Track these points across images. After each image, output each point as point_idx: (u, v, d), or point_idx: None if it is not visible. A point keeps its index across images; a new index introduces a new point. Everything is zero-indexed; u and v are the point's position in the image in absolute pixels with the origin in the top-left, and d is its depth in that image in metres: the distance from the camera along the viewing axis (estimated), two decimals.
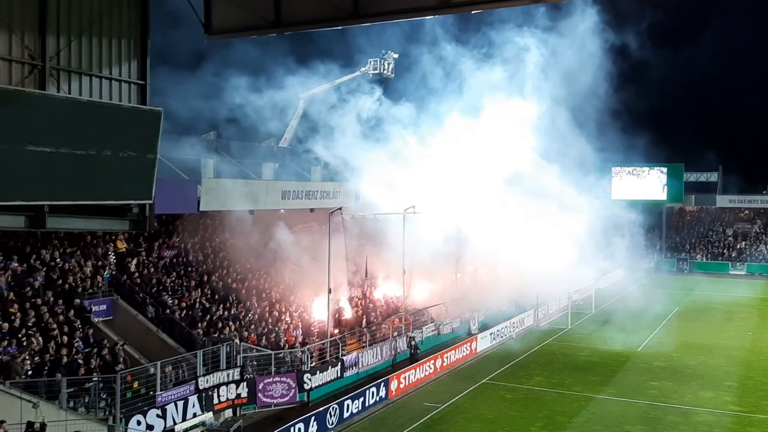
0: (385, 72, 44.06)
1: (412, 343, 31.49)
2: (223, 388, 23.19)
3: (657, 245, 70.64)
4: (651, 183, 70.14)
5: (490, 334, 35.27)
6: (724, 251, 68.82)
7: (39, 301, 22.30)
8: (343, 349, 28.22)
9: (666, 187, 69.60)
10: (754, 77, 79.76)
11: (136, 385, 21.09)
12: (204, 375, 22.70)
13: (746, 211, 74.10)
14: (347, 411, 23.86)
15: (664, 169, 70.00)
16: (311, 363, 26.22)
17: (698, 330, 39.45)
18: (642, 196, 68.94)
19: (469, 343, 33.12)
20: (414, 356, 30.58)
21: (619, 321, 39.69)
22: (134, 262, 27.67)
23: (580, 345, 35.38)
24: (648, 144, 63.17)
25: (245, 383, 23.90)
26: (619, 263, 55.59)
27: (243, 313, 28.50)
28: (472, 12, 18.22)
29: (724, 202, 73.28)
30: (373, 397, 25.39)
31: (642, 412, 24.99)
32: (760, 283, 59.41)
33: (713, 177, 76.09)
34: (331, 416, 22.84)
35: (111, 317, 25.52)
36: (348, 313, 32.61)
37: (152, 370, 21.52)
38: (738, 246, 68.98)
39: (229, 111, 35.90)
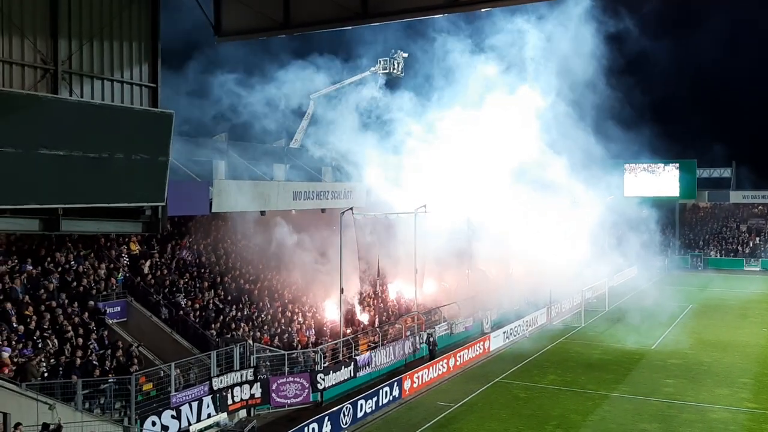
0: (395, 71, 44.08)
1: (431, 339, 31.58)
2: (237, 389, 23.27)
3: (670, 242, 70.15)
4: (664, 179, 69.84)
5: (503, 332, 35.17)
6: (738, 248, 68.26)
7: (54, 303, 22.46)
8: (356, 349, 28.24)
9: (679, 183, 69.28)
10: (764, 69, 78.77)
11: (148, 386, 21.11)
12: (218, 376, 22.79)
13: (760, 207, 73.46)
14: (361, 411, 23.87)
15: (677, 165, 69.63)
16: (324, 363, 26.26)
17: (713, 327, 39.16)
18: (655, 192, 68.60)
19: (482, 342, 33.04)
20: (432, 353, 30.68)
21: (632, 319, 39.45)
22: (147, 263, 27.82)
23: (593, 343, 35.20)
24: (658, 140, 62.89)
25: (259, 383, 23.98)
26: (633, 260, 55.27)
27: (256, 314, 28.59)
28: (482, 10, 18.20)
29: (738, 198, 72.65)
30: (386, 397, 25.39)
31: (657, 409, 24.85)
32: None
33: (726, 173, 75.50)
34: (344, 416, 22.87)
35: (125, 319, 25.65)
36: (363, 316, 32.62)
37: (162, 373, 21.60)
38: (752, 242, 68.40)
39: (238, 112, 35.97)
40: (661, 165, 69.85)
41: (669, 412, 24.61)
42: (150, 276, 27.31)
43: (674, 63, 78.70)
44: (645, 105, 64.86)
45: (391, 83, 43.14)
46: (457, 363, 30.40)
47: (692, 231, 73.18)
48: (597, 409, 24.91)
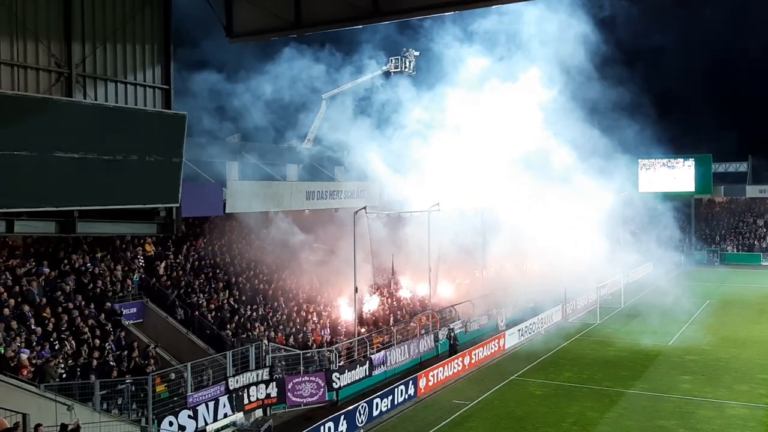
0: (407, 70, 44.02)
1: (452, 334, 31.58)
2: (252, 389, 23.36)
3: (686, 237, 69.57)
4: (679, 175, 69.18)
5: (518, 330, 35.06)
6: (755, 242, 67.60)
7: (71, 305, 22.64)
8: (371, 348, 28.25)
9: (694, 178, 68.69)
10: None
11: (161, 388, 21.18)
12: (234, 375, 22.88)
13: None
14: (376, 409, 23.89)
15: (692, 160, 69.01)
16: (339, 362, 26.30)
17: (730, 323, 38.83)
18: (670, 188, 67.97)
19: (497, 340, 32.96)
20: (454, 347, 30.67)
21: (649, 315, 39.19)
22: (163, 265, 27.97)
23: (609, 340, 35.01)
24: (672, 134, 62.37)
25: (275, 383, 24.06)
26: (648, 256, 54.87)
27: (271, 314, 28.68)
28: (493, 6, 18.13)
29: (754, 192, 71.95)
30: (402, 395, 25.39)
31: (675, 406, 24.68)
32: None
33: (742, 167, 74.75)
34: (360, 415, 22.88)
35: (141, 320, 25.85)
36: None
37: (173, 376, 21.65)
38: None
39: (249, 113, 36.00)
40: (680, 160, 69.02)
41: (687, 408, 24.43)
42: (165, 277, 27.47)
43: (686, 56, 78.01)
44: (658, 99, 64.32)
45: (408, 82, 43.03)
46: (473, 361, 30.34)
47: (708, 226, 72.57)
48: (614, 406, 24.78)
